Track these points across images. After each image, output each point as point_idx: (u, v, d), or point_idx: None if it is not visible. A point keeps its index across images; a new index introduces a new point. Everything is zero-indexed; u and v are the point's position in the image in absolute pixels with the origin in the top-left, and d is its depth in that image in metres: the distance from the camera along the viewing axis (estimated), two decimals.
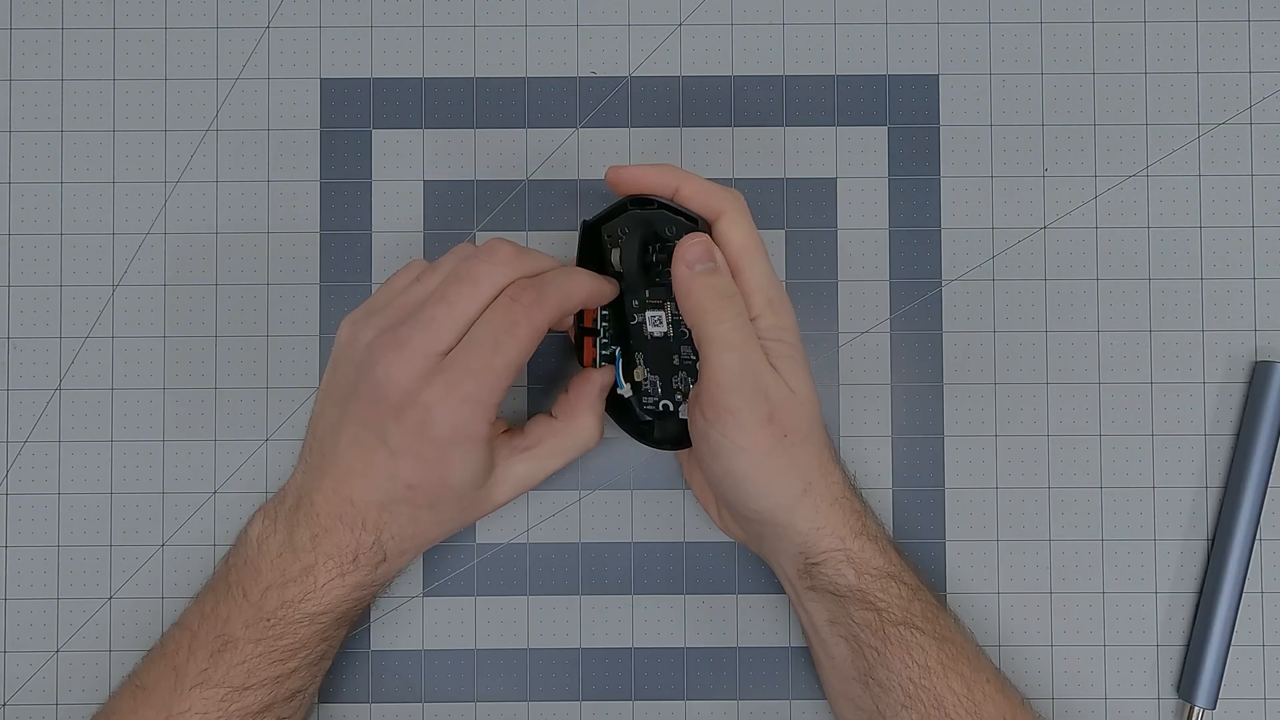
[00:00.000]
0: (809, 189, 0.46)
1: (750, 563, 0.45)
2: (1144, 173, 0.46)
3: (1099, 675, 0.45)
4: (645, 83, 0.46)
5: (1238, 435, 0.45)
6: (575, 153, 0.45)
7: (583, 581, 0.45)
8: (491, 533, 0.45)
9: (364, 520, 0.38)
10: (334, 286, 0.45)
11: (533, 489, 0.41)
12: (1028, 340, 0.45)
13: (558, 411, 0.41)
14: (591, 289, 0.39)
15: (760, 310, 0.38)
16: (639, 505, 0.45)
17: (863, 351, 0.45)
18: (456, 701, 0.44)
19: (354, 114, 0.46)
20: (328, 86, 0.46)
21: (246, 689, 0.38)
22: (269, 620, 0.38)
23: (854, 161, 0.46)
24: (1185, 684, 0.44)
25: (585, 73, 0.46)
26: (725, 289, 0.37)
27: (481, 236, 0.45)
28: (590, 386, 0.41)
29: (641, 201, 0.39)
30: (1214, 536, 0.45)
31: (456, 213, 0.45)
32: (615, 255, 0.40)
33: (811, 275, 0.45)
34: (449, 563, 0.45)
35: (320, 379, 0.45)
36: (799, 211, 0.45)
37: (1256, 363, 0.45)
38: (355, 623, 0.44)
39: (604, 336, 0.41)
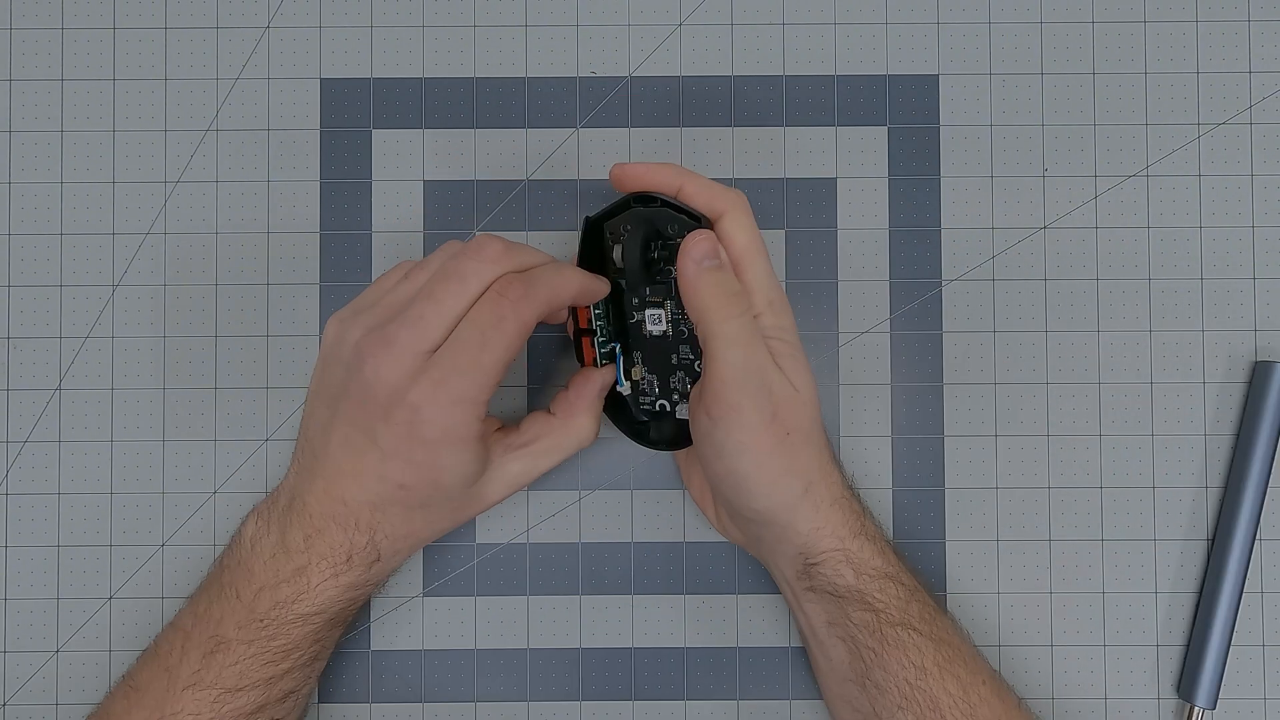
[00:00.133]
0: (809, 189, 0.46)
1: (750, 563, 0.45)
2: (1144, 173, 0.46)
3: (1099, 675, 0.45)
4: (645, 83, 0.46)
5: (1238, 435, 0.45)
6: (575, 153, 0.45)
7: (583, 581, 0.45)
8: (491, 533, 0.45)
9: (357, 520, 0.38)
10: (334, 286, 0.45)
11: (526, 486, 0.41)
12: (1028, 340, 0.45)
13: (556, 409, 0.41)
14: (581, 285, 0.38)
15: (761, 309, 0.38)
16: (639, 505, 0.45)
17: (863, 351, 0.45)
18: (456, 701, 0.44)
19: (354, 114, 0.46)
20: (328, 86, 0.46)
21: (239, 690, 0.38)
22: (261, 621, 0.38)
23: (854, 161, 0.46)
24: (1185, 684, 0.44)
25: (585, 73, 0.46)
26: (731, 286, 0.37)
27: None
28: (591, 385, 0.41)
29: (645, 199, 0.39)
30: (1214, 536, 0.45)
31: (456, 213, 0.45)
32: (617, 252, 0.40)
33: (811, 275, 0.45)
34: (449, 563, 0.45)
35: None
36: (799, 211, 0.45)
37: (1256, 363, 0.45)
38: (350, 624, 0.44)
39: (601, 335, 0.41)
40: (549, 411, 0.41)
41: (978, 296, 0.45)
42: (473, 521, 0.45)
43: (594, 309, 0.40)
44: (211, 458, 0.45)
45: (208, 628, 0.38)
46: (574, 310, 0.41)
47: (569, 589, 0.45)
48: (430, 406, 0.36)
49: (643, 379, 0.41)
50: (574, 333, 0.42)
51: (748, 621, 0.45)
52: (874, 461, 0.45)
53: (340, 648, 0.44)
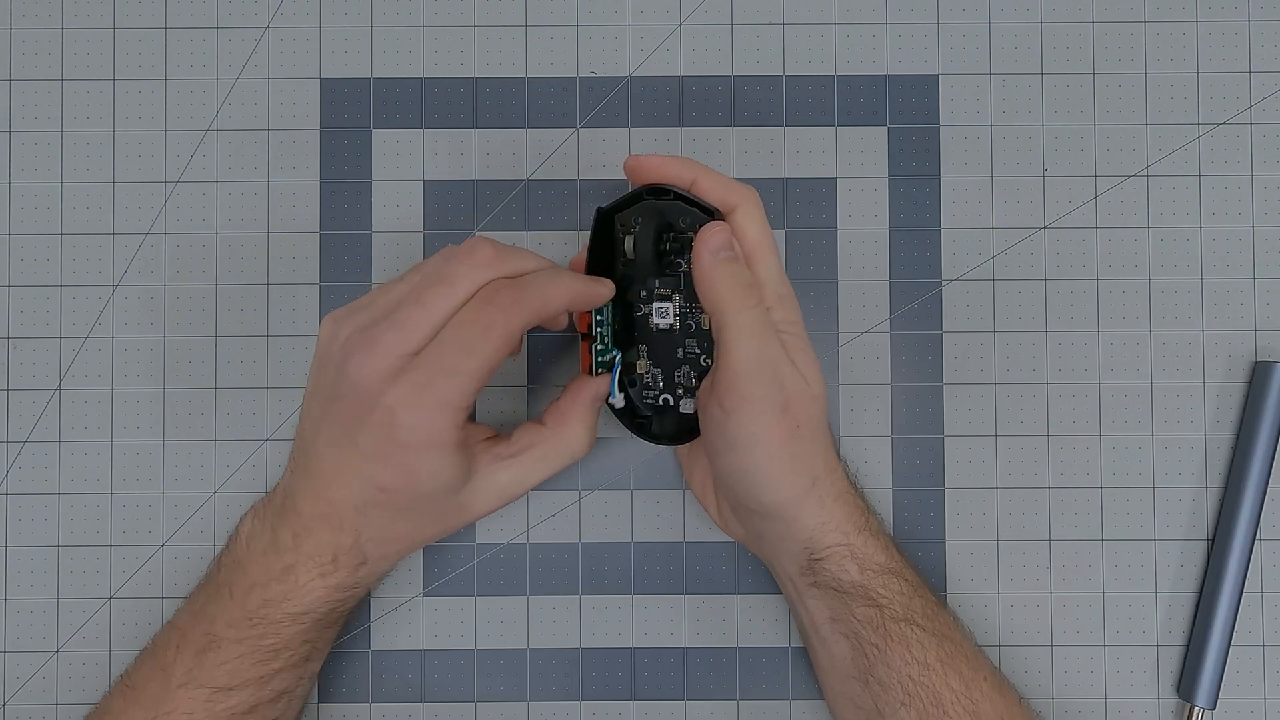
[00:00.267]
0: (809, 189, 0.46)
1: (750, 563, 0.45)
2: (1144, 173, 0.46)
3: (1099, 675, 0.45)
4: (645, 83, 0.46)
5: (1238, 435, 0.45)
6: (575, 153, 0.45)
7: (583, 581, 0.45)
8: (491, 533, 0.45)
9: (342, 521, 0.38)
10: (334, 286, 0.45)
11: (518, 497, 0.40)
12: (1028, 340, 0.45)
13: (548, 418, 0.41)
14: (576, 291, 0.38)
15: (772, 303, 0.38)
16: (639, 505, 0.45)
17: (863, 351, 0.45)
18: (456, 701, 0.44)
19: (354, 114, 0.46)
20: (328, 86, 0.46)
21: (230, 689, 0.37)
22: (251, 619, 0.38)
23: (854, 161, 0.46)
24: (1185, 684, 0.44)
25: (585, 73, 0.46)
26: (746, 278, 0.37)
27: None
28: (584, 394, 0.40)
29: (657, 191, 0.40)
30: (1214, 536, 0.45)
31: (456, 213, 0.45)
32: (628, 243, 0.40)
33: (811, 275, 0.45)
34: (449, 563, 0.45)
35: None
36: (799, 211, 0.45)
37: (1256, 363, 0.45)
38: (348, 625, 0.44)
39: (600, 343, 0.41)
40: (541, 422, 0.41)
41: (978, 296, 0.45)
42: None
43: (595, 314, 0.40)
44: (211, 458, 0.45)
45: (202, 625, 0.38)
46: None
47: (569, 589, 0.45)
48: (406, 410, 0.35)
49: (647, 372, 0.41)
50: (582, 333, 0.41)
51: (748, 621, 0.45)
52: (874, 461, 0.45)
53: (340, 647, 0.44)
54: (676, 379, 0.41)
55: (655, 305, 0.40)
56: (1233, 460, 0.45)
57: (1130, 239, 0.45)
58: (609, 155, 0.45)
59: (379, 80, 0.46)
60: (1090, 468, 0.45)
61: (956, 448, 0.45)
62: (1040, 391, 0.45)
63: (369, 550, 0.39)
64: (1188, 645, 0.45)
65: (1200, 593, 0.45)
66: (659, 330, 0.41)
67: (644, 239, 0.40)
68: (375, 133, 0.46)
